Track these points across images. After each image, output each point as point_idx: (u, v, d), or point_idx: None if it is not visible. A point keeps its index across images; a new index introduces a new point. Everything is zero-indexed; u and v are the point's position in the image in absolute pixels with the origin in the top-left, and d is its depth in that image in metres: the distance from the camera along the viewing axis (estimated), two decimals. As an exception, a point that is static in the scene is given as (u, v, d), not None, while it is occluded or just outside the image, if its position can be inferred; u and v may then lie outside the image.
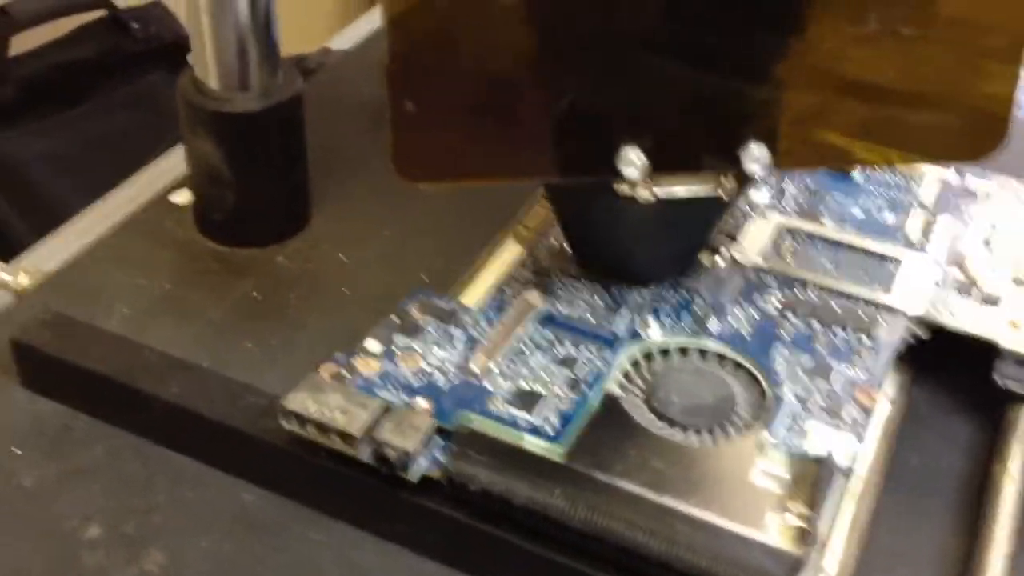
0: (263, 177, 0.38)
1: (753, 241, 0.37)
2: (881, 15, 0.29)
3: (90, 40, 0.87)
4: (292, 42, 0.56)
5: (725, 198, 0.30)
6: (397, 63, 0.28)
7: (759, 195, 0.39)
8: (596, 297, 0.35)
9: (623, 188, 0.30)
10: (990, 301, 0.35)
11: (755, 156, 0.30)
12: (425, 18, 0.27)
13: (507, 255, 0.38)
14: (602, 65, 0.28)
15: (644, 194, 0.30)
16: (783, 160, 0.31)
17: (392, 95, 0.28)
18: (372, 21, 0.58)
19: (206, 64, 0.37)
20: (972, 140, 0.31)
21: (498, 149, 0.29)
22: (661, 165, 0.30)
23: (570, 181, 0.31)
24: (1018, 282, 0.36)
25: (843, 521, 0.30)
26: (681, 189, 0.30)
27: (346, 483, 0.30)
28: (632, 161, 0.29)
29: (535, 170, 0.30)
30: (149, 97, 0.87)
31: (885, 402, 0.34)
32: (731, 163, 0.30)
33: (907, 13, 0.29)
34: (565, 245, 0.36)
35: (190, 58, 0.37)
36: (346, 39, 0.57)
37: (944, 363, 0.34)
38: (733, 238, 0.37)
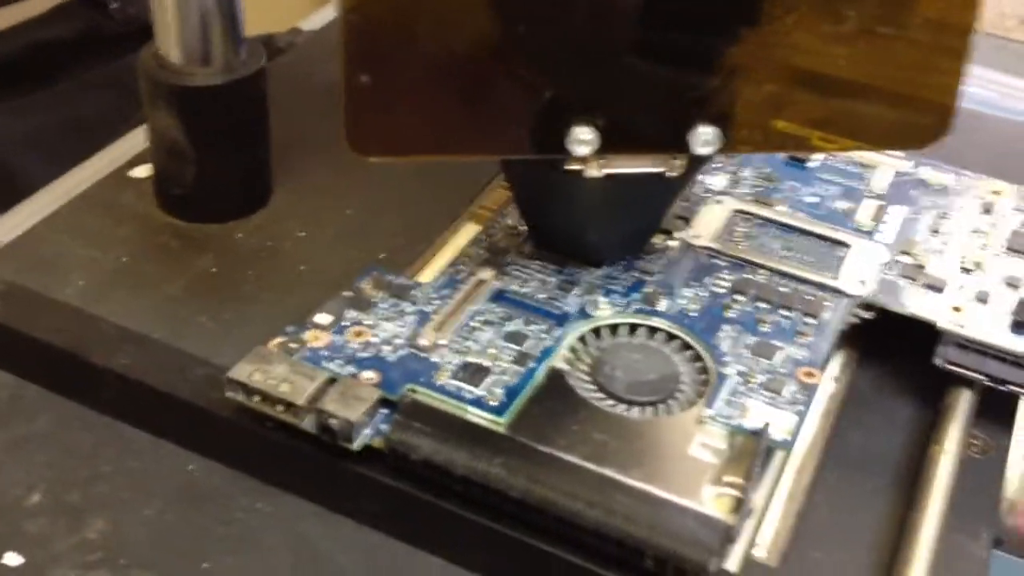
0: (223, 153, 0.38)
1: (707, 225, 0.38)
2: (835, 8, 0.30)
3: (67, 19, 0.86)
4: (266, 22, 0.56)
5: (673, 176, 0.31)
6: (352, 36, 0.28)
7: (716, 180, 0.40)
8: (549, 276, 0.35)
9: (574, 165, 0.30)
10: (936, 287, 0.35)
11: (703, 138, 0.30)
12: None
13: (466, 234, 0.38)
14: (555, 44, 0.29)
15: (592, 171, 0.30)
16: (739, 144, 0.31)
17: (346, 68, 0.28)
18: (343, 4, 0.59)
19: (168, 38, 0.37)
20: (920, 129, 0.31)
21: (451, 126, 0.29)
22: (612, 144, 0.30)
23: (523, 158, 0.31)
24: (964, 269, 0.36)
25: (780, 494, 0.31)
26: (629, 167, 0.30)
27: (291, 453, 0.30)
28: (583, 139, 0.30)
29: (488, 147, 0.30)
30: (127, 78, 0.87)
31: (829, 381, 0.34)
32: (680, 144, 0.30)
33: (861, 7, 0.30)
34: (521, 225, 0.37)
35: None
36: (317, 20, 0.57)
37: (890, 346, 0.35)
38: (687, 221, 0.38)
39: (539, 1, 0.29)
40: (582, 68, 0.30)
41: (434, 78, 0.29)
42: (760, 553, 0.29)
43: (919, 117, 0.31)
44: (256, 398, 0.30)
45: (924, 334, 0.34)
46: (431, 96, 0.29)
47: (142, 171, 0.41)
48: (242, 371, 0.30)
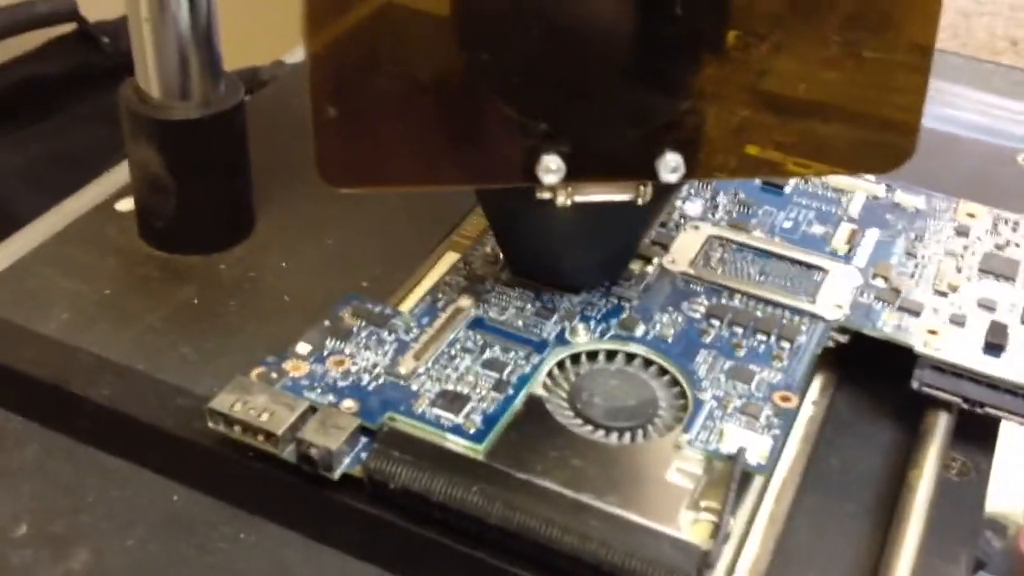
0: (204, 185, 0.39)
1: (684, 250, 0.38)
2: (800, 32, 0.30)
3: (59, 54, 0.87)
4: (250, 55, 0.56)
5: (642, 205, 0.31)
6: (318, 70, 0.28)
7: (692, 207, 0.40)
8: (527, 303, 0.35)
9: (543, 194, 0.31)
10: (911, 310, 0.36)
11: (671, 165, 0.30)
12: (346, 27, 0.28)
13: (446, 263, 0.39)
14: (520, 74, 0.29)
15: (562, 200, 0.30)
16: (709, 170, 0.32)
17: (314, 101, 0.29)
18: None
19: (147, 73, 0.37)
20: (887, 151, 0.32)
21: (420, 157, 0.30)
22: (579, 172, 0.30)
23: (492, 188, 0.31)
24: (939, 292, 0.36)
25: (759, 519, 0.31)
26: (598, 195, 0.31)
27: (272, 483, 0.30)
28: (551, 168, 0.30)
29: (457, 178, 0.31)
30: (118, 112, 0.87)
31: (808, 405, 0.35)
32: (648, 171, 0.31)
33: (817, 26, 0.30)
34: (499, 253, 0.37)
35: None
36: (300, 53, 0.57)
37: (867, 370, 0.35)
38: (664, 247, 0.38)
39: (502, 32, 0.29)
40: (548, 97, 0.30)
41: (401, 109, 0.29)
42: (740, 577, 0.29)
43: (886, 138, 0.31)
44: (237, 428, 0.30)
45: (901, 357, 0.34)
46: (399, 127, 0.30)
47: (126, 204, 0.41)
48: (223, 402, 0.30)
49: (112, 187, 0.46)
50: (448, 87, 0.29)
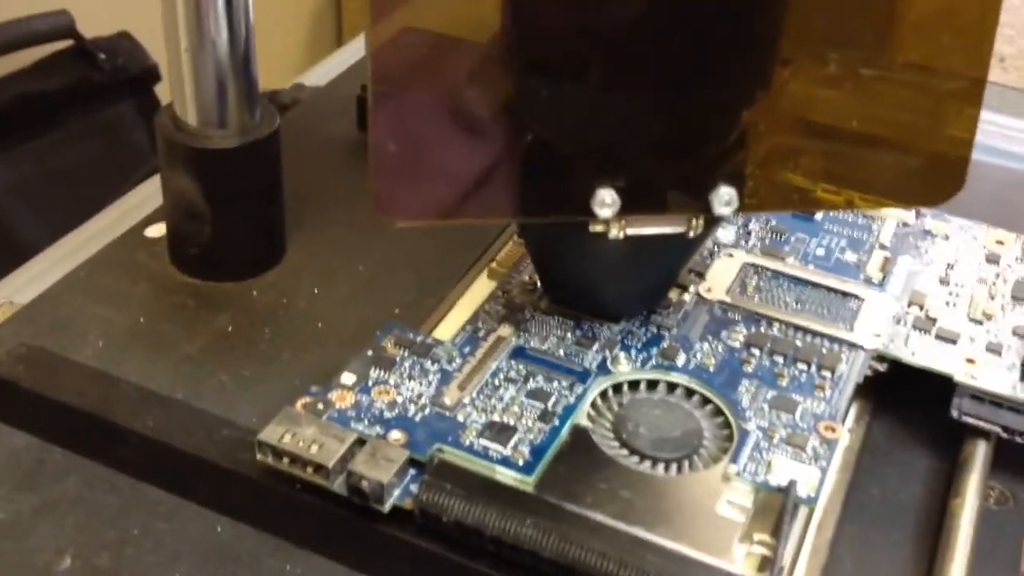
0: (240, 213, 0.39)
1: (719, 278, 0.38)
2: (843, 61, 0.30)
3: (57, 71, 0.87)
4: (265, 77, 0.56)
5: (692, 237, 0.31)
6: (379, 106, 0.28)
7: (725, 234, 0.40)
8: (567, 332, 0.35)
9: (597, 227, 0.31)
10: (948, 338, 0.36)
11: (724, 199, 0.31)
12: (406, 63, 0.28)
13: (480, 290, 0.39)
14: (577, 109, 0.29)
15: (615, 232, 0.31)
16: (749, 202, 0.32)
17: (373, 137, 0.29)
18: (343, 57, 0.59)
19: (185, 101, 0.37)
20: (932, 184, 0.32)
21: (477, 191, 0.30)
22: (634, 206, 0.30)
23: (545, 221, 0.32)
24: (974, 320, 0.37)
25: (805, 550, 0.31)
26: (652, 228, 0.31)
27: (320, 515, 0.30)
28: (606, 202, 0.30)
29: (513, 211, 0.31)
30: (116, 128, 0.87)
31: (845, 434, 0.35)
32: (701, 205, 0.31)
33: (868, 58, 0.30)
34: (538, 281, 0.37)
35: (158, 89, 0.38)
36: (318, 75, 0.57)
37: (904, 398, 0.36)
38: (701, 276, 0.38)
39: (557, 65, 0.29)
40: (603, 133, 0.30)
41: (458, 145, 0.30)
42: (788, 609, 0.30)
43: (937, 170, 0.32)
44: (286, 460, 0.30)
45: (936, 385, 0.34)
46: (456, 162, 0.30)
47: (157, 230, 0.41)
48: (273, 433, 0.30)
49: (134, 209, 0.46)
50: (506, 123, 0.29)
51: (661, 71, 0.29)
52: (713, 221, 0.32)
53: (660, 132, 0.30)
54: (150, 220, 0.42)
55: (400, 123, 0.28)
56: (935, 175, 0.31)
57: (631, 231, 0.31)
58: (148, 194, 0.47)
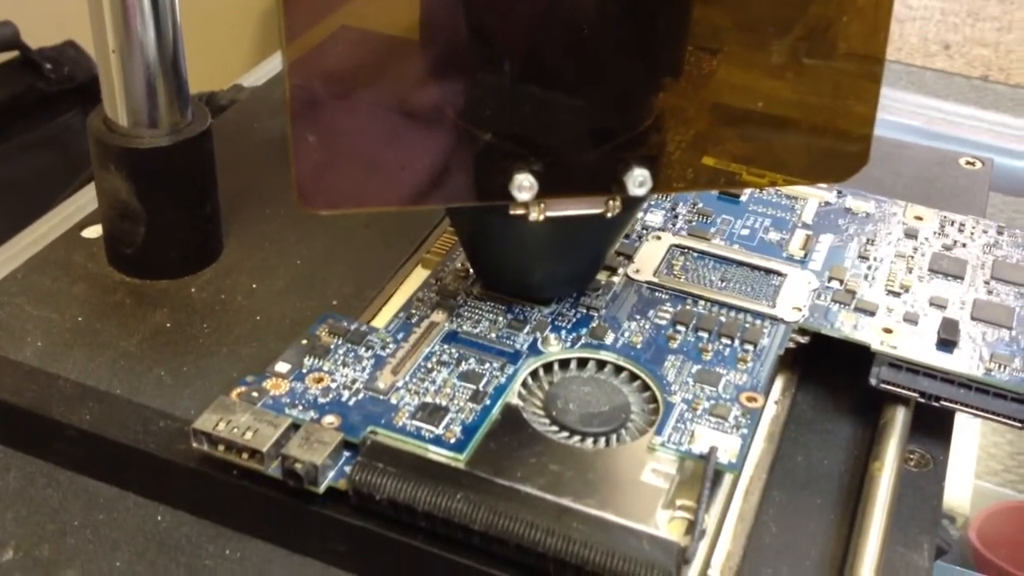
0: (173, 212, 0.39)
1: (647, 260, 0.39)
2: (756, 46, 0.31)
3: (2, 82, 0.86)
4: (208, 79, 0.57)
5: (611, 217, 0.32)
6: (297, 99, 0.29)
7: (653, 217, 0.41)
8: (499, 316, 0.36)
9: (517, 210, 0.32)
10: (867, 310, 0.37)
11: (638, 180, 0.32)
12: (324, 55, 0.28)
13: (417, 280, 0.39)
14: (492, 97, 0.30)
15: (535, 215, 0.32)
16: (673, 183, 0.33)
17: (294, 128, 0.29)
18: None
19: (115, 101, 0.38)
20: (841, 161, 0.33)
21: (396, 178, 0.31)
22: (551, 189, 0.31)
23: (466, 205, 0.32)
24: (892, 292, 0.38)
25: (731, 516, 0.32)
26: (570, 210, 0.32)
27: (257, 499, 0.31)
28: (524, 186, 0.31)
29: (434, 197, 0.32)
30: (63, 138, 0.87)
31: (771, 405, 0.36)
32: (616, 186, 0.32)
33: (779, 44, 0.31)
34: (470, 268, 0.38)
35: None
36: (257, 76, 0.58)
37: (828, 369, 0.37)
38: (629, 258, 0.39)
39: (473, 55, 0.30)
40: (519, 119, 0.31)
41: (377, 134, 0.30)
42: (714, 573, 0.31)
43: (841, 148, 0.33)
44: (221, 447, 0.30)
45: (857, 355, 0.35)
46: (376, 151, 0.31)
47: (93, 231, 0.42)
48: (207, 421, 0.30)
49: (75, 213, 0.46)
50: (422, 111, 0.30)
51: (570, 61, 0.30)
52: (632, 203, 0.33)
53: (571, 119, 0.31)
54: (87, 221, 0.42)
55: (318, 114, 0.29)
56: (841, 152, 0.32)
57: (550, 213, 0.32)
58: (89, 197, 0.48)
